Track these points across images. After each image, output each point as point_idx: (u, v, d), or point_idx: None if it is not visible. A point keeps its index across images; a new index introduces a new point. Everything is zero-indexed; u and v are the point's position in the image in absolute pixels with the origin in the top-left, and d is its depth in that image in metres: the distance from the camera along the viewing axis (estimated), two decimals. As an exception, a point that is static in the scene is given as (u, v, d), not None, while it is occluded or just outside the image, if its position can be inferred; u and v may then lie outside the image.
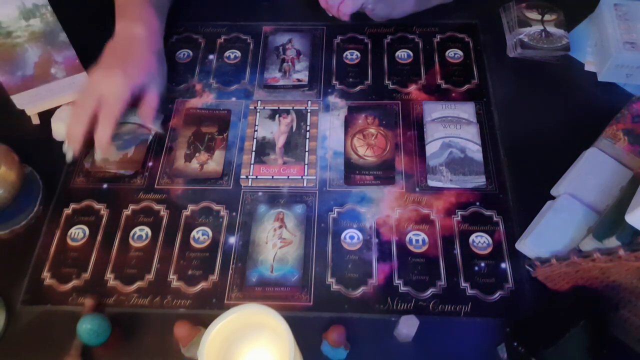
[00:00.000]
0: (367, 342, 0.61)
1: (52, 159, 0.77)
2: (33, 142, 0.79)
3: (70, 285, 0.66)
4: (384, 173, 0.73)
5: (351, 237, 0.69)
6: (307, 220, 0.70)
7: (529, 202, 0.69)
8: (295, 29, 0.91)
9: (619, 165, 0.67)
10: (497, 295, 0.64)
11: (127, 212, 0.72)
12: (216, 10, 0.94)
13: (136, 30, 0.77)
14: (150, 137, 0.78)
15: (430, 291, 0.64)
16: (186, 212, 0.72)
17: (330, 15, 0.82)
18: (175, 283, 0.66)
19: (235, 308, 0.48)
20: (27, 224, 0.71)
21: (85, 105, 0.69)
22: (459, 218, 0.70)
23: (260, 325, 0.52)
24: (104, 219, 0.71)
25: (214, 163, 0.75)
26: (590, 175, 0.67)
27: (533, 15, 0.86)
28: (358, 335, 0.61)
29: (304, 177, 0.73)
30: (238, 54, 0.88)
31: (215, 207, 0.72)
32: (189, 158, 0.76)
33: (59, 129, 0.78)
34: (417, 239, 0.68)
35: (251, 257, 0.67)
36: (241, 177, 0.74)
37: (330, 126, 0.79)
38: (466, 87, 0.82)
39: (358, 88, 0.83)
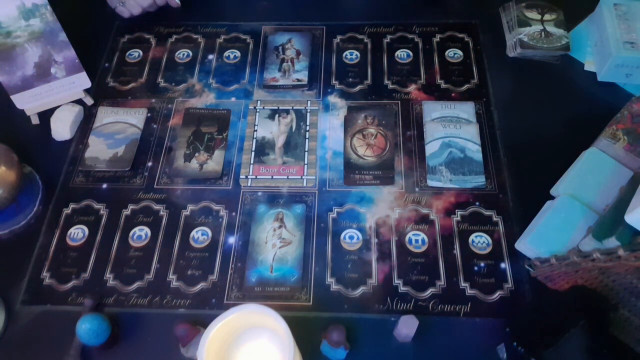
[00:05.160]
0: (366, 342, 0.61)
1: (52, 159, 0.77)
2: (33, 142, 0.79)
3: (69, 285, 0.66)
4: (384, 173, 0.73)
5: (351, 237, 0.69)
6: (307, 220, 0.70)
7: (528, 202, 0.69)
8: (294, 28, 0.91)
9: (619, 165, 0.67)
10: (496, 295, 0.64)
11: (126, 212, 0.72)
12: (216, 10, 0.94)
13: None
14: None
15: (429, 291, 0.64)
16: (185, 212, 0.72)
17: None
18: (175, 283, 0.66)
19: (234, 308, 0.48)
20: (27, 223, 0.71)
21: None
22: (459, 218, 0.70)
23: (260, 325, 0.52)
24: (103, 219, 0.71)
25: (213, 163, 0.75)
26: (590, 175, 0.67)
27: (533, 14, 0.86)
28: (358, 335, 0.61)
29: (303, 177, 0.73)
30: (238, 53, 0.88)
31: (215, 207, 0.72)
32: (188, 158, 0.76)
33: (58, 129, 0.78)
34: (417, 239, 0.68)
35: (251, 257, 0.67)
36: (241, 177, 0.74)
37: (329, 126, 0.79)
38: (466, 87, 0.82)
39: (358, 88, 0.83)
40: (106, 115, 0.81)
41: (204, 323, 0.54)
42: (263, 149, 0.76)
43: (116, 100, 0.83)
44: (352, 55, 0.87)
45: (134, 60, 0.88)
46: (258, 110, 0.80)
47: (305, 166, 0.74)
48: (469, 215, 0.70)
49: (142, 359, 0.62)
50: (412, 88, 0.82)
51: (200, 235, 0.70)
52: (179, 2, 0.90)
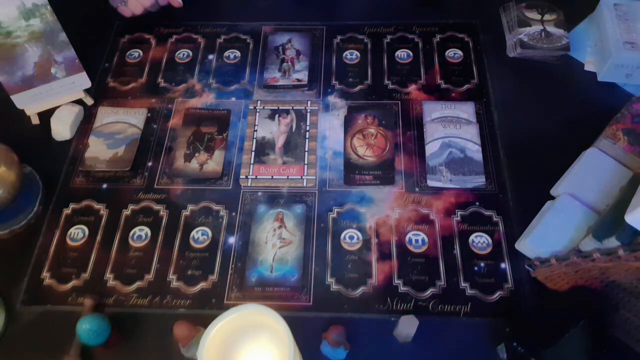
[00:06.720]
0: (366, 342, 0.61)
1: (52, 159, 0.77)
2: (33, 142, 0.79)
3: (69, 285, 0.66)
4: (384, 173, 0.73)
5: (351, 237, 0.69)
6: (307, 220, 0.70)
7: (529, 202, 0.69)
8: (294, 28, 0.91)
9: (619, 165, 0.67)
10: (496, 295, 0.64)
11: (126, 212, 0.72)
12: (216, 10, 0.94)
13: None
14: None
15: (429, 291, 0.64)
16: (186, 212, 0.72)
17: None
18: (175, 283, 0.66)
19: (234, 308, 0.48)
20: (27, 224, 0.71)
21: None
22: (459, 218, 0.70)
23: (260, 325, 0.52)
24: (103, 219, 0.71)
25: (213, 163, 0.75)
26: (590, 175, 0.67)
27: (533, 15, 0.86)
28: (358, 335, 0.61)
29: (303, 177, 0.73)
30: (238, 53, 0.88)
31: (215, 207, 0.72)
32: (188, 158, 0.76)
33: (58, 129, 0.78)
34: (417, 239, 0.68)
35: (251, 257, 0.67)
36: (241, 177, 0.74)
37: (329, 126, 0.79)
38: (466, 87, 0.82)
39: (358, 88, 0.83)
40: (106, 115, 0.81)
41: (204, 323, 0.54)
42: (263, 149, 0.76)
43: (116, 100, 0.83)
44: (352, 55, 0.87)
45: (134, 60, 0.88)
46: (258, 110, 0.80)
47: (305, 166, 0.74)
48: (469, 216, 0.70)
49: (142, 359, 0.62)
50: (412, 88, 0.82)
51: (200, 235, 0.70)
52: (180, 1, 0.90)
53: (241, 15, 0.93)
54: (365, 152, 0.76)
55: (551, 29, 0.85)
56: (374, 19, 0.91)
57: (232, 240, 0.69)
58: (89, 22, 0.93)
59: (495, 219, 0.69)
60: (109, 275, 0.67)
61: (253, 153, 0.76)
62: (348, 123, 0.79)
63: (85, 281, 0.67)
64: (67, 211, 0.72)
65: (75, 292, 0.66)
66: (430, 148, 0.75)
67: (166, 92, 0.84)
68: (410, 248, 0.67)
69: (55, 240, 0.70)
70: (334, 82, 0.84)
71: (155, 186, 0.74)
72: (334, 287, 0.65)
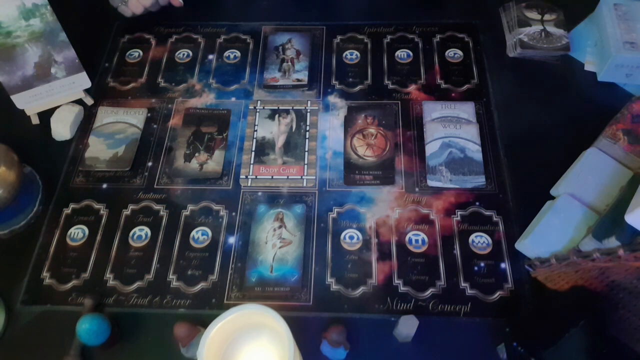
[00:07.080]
0: (366, 342, 0.61)
1: (52, 159, 0.77)
2: (33, 142, 0.79)
3: (69, 285, 0.66)
4: (384, 173, 0.73)
5: (351, 237, 0.69)
6: (307, 220, 0.70)
7: (528, 202, 0.69)
8: (294, 28, 0.91)
9: (619, 165, 0.67)
10: (496, 295, 0.64)
11: (126, 212, 0.72)
12: (216, 10, 0.94)
13: None
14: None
15: (429, 291, 0.64)
16: (186, 212, 0.72)
17: None
18: (175, 283, 0.66)
19: (234, 308, 0.48)
20: (27, 224, 0.71)
21: None
22: (459, 218, 0.70)
23: (260, 325, 0.52)
24: (103, 219, 0.71)
25: (213, 163, 0.75)
26: (590, 175, 0.67)
27: (533, 15, 0.86)
28: (358, 335, 0.61)
29: (303, 177, 0.73)
30: (238, 53, 0.88)
31: (215, 207, 0.72)
32: (188, 158, 0.76)
33: (58, 129, 0.78)
34: (417, 239, 0.68)
35: (251, 257, 0.67)
36: (241, 177, 0.74)
37: (330, 126, 0.79)
38: (466, 87, 0.82)
39: (358, 88, 0.83)
40: (106, 115, 0.81)
41: (204, 323, 0.54)
42: (263, 149, 0.76)
43: (116, 100, 0.83)
44: (352, 55, 0.87)
45: (134, 60, 0.88)
46: (258, 110, 0.80)
47: (305, 166, 0.74)
48: (469, 215, 0.70)
49: (142, 359, 0.62)
50: (412, 88, 0.82)
51: (200, 235, 0.70)
52: (181, 0, 0.90)
53: (241, 15, 0.93)
54: (365, 152, 0.76)
55: (551, 29, 0.85)
56: (374, 19, 0.91)
57: (232, 240, 0.69)
58: (89, 22, 0.93)
59: (495, 219, 0.69)
60: (109, 275, 0.67)
61: (253, 153, 0.76)
62: (348, 123, 0.79)
63: (85, 281, 0.67)
64: (67, 211, 0.72)
65: (75, 292, 0.66)
66: (430, 148, 0.75)
67: (166, 92, 0.84)
68: (410, 248, 0.67)
69: (55, 240, 0.70)
70: (334, 82, 0.84)
71: (155, 186, 0.74)
72: (334, 287, 0.65)
